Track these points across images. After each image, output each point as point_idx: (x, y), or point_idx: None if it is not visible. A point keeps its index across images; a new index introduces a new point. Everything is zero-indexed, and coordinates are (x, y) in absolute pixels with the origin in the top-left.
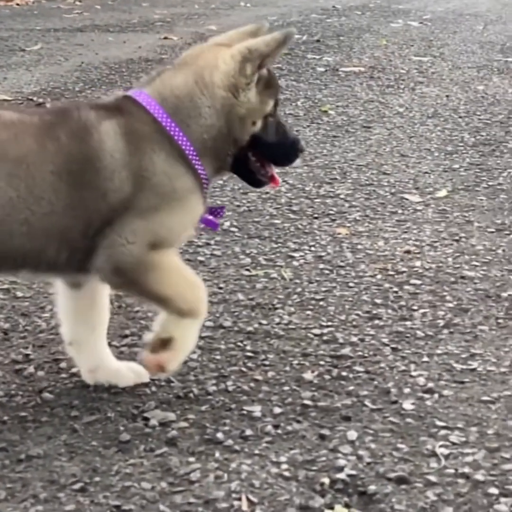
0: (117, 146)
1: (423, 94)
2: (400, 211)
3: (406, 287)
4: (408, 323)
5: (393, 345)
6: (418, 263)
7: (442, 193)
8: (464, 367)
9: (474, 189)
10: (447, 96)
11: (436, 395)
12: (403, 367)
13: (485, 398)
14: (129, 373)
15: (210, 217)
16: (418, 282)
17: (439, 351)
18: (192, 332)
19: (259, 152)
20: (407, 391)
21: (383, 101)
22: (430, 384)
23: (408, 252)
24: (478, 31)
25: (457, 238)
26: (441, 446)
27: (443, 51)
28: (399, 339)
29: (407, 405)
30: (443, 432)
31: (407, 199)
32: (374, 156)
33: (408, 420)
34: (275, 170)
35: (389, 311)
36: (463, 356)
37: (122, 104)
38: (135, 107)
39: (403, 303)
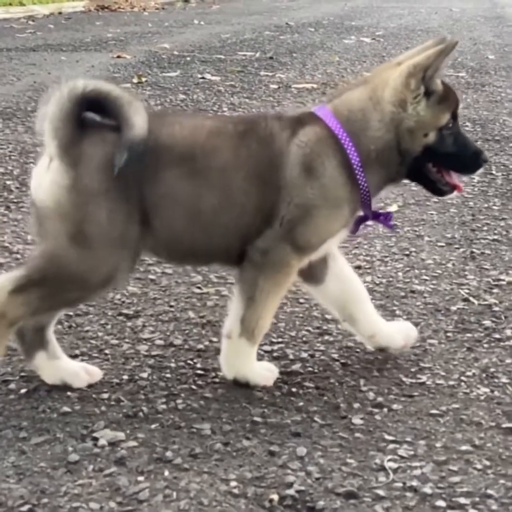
0: (297, 151)
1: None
2: None
3: None
4: (358, 338)
5: (343, 361)
6: (368, 278)
7: (393, 208)
8: (413, 381)
9: (424, 203)
10: None
11: (385, 409)
12: (353, 382)
13: (433, 411)
14: (399, 335)
15: (383, 219)
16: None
17: (388, 366)
18: (242, 356)
19: (436, 162)
20: (356, 406)
21: None
22: (380, 399)
23: (358, 267)
24: None
25: (407, 252)
26: (389, 460)
27: None
28: (349, 354)
29: (356, 420)
30: (391, 446)
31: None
32: None
33: (357, 434)
34: (458, 178)
35: (339, 326)
36: (412, 370)
37: (303, 116)
38: (315, 119)
39: None
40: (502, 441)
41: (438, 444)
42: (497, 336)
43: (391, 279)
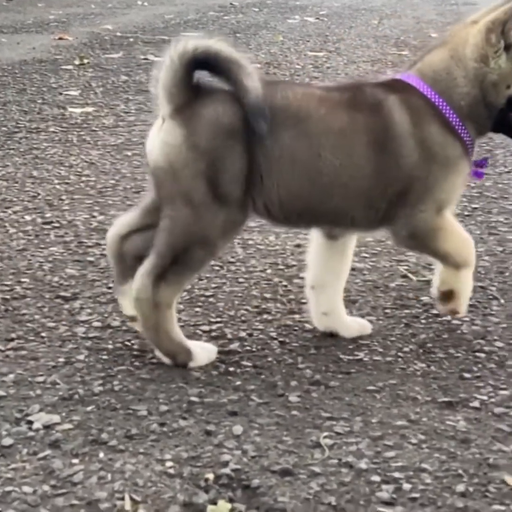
0: (403, 118)
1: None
2: None
3: (296, 280)
4: (296, 316)
5: (281, 339)
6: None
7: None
8: (351, 357)
9: None
10: None
11: (322, 387)
12: (291, 360)
13: (370, 387)
14: (354, 324)
15: (477, 169)
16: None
17: (326, 343)
18: (468, 280)
19: None
20: (293, 384)
21: None
22: (317, 376)
23: (298, 246)
24: (374, 25)
25: None
26: (325, 436)
27: (339, 46)
28: (287, 332)
29: (293, 397)
30: (328, 423)
31: None
32: None
33: (294, 412)
34: None
35: (278, 305)
36: (350, 347)
37: (394, 83)
38: (406, 86)
39: (292, 296)
40: (438, 415)
41: (374, 420)
42: (434, 311)
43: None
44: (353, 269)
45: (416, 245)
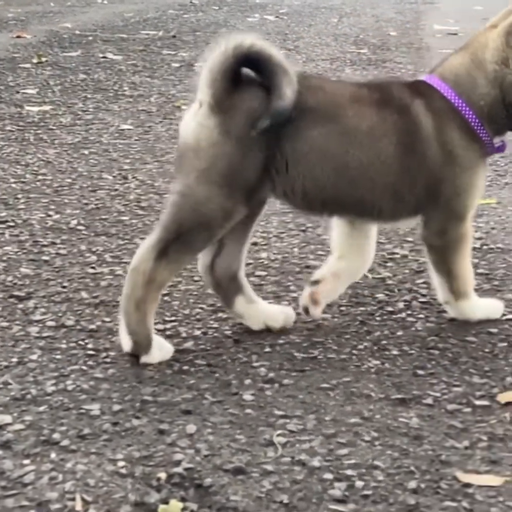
0: (427, 120)
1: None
2: None
3: (252, 278)
4: None
5: (235, 337)
6: (264, 255)
7: None
8: (305, 355)
9: None
10: None
11: (276, 385)
12: (245, 359)
13: (324, 385)
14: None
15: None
16: (264, 273)
17: (281, 341)
18: (474, 306)
19: None
20: (247, 382)
21: None
22: (271, 374)
23: (255, 244)
24: (333, 23)
25: (303, 228)
26: (279, 435)
27: (298, 44)
28: (242, 331)
29: (247, 396)
30: (281, 421)
31: None
32: None
33: (248, 410)
34: None
35: None
36: (305, 345)
37: (418, 86)
38: (429, 88)
39: None
40: (391, 412)
41: (327, 418)
42: (389, 309)
43: (286, 255)
44: (308, 267)
45: (442, 246)
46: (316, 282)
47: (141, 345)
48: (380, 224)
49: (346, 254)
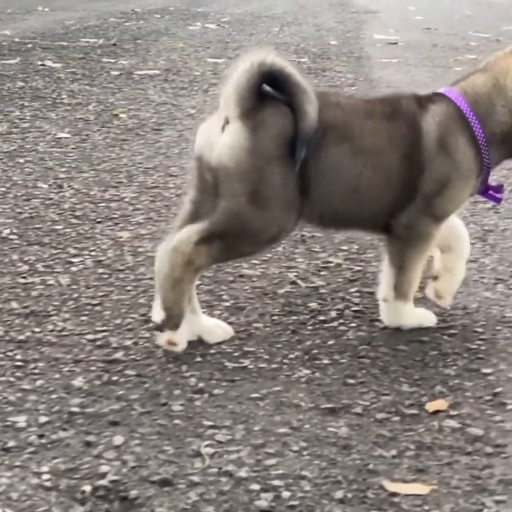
0: (433, 127)
1: (216, 95)
2: None
3: None
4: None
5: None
6: None
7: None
8: (236, 365)
9: None
10: None
11: (206, 395)
12: (175, 369)
13: (254, 395)
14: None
15: (493, 193)
16: (197, 282)
17: (212, 351)
18: (409, 311)
19: None
20: (177, 393)
21: (176, 103)
22: (201, 384)
23: None
24: (274, 32)
25: None
26: (207, 445)
27: (239, 52)
28: None
29: (176, 406)
30: (210, 431)
31: None
32: (162, 158)
33: (176, 421)
34: None
35: None
36: (236, 354)
37: (435, 97)
38: (445, 100)
39: None
40: (320, 422)
41: (256, 428)
42: (322, 317)
43: (221, 264)
44: (242, 276)
45: (404, 237)
46: (435, 278)
47: (172, 322)
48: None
49: (445, 247)
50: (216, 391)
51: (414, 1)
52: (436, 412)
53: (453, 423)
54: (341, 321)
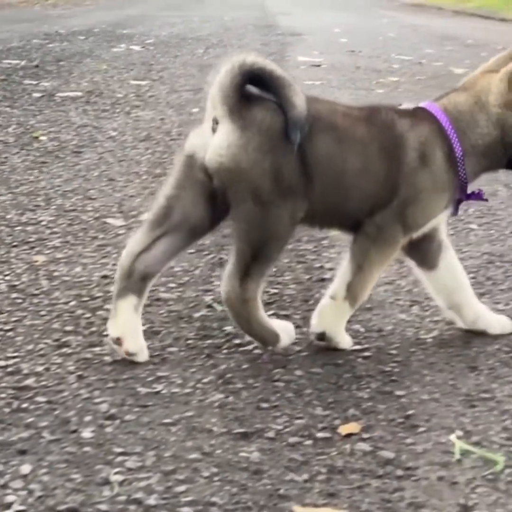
0: (413, 134)
1: (138, 118)
2: (101, 236)
3: (100, 312)
4: (97, 349)
5: (79, 373)
6: (114, 288)
7: (146, 216)
8: (149, 390)
9: None
10: (161, 119)
11: (117, 421)
12: (87, 395)
13: (166, 420)
14: (499, 323)
15: (475, 197)
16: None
17: (125, 376)
18: (341, 316)
19: None
20: (88, 419)
21: (97, 125)
22: (113, 410)
23: (105, 277)
24: (199, 54)
25: None
26: (116, 473)
27: (163, 74)
28: (86, 366)
29: (87, 433)
30: (120, 458)
31: (110, 223)
32: (81, 181)
33: (86, 448)
34: None
35: (79, 338)
36: (149, 379)
37: (416, 110)
38: (426, 113)
39: (94, 329)
40: (232, 447)
41: (167, 454)
42: (237, 341)
43: None
44: (158, 299)
45: (370, 239)
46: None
47: (270, 339)
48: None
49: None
50: (127, 417)
51: (339, 24)
52: (349, 435)
53: (365, 446)
54: (256, 344)
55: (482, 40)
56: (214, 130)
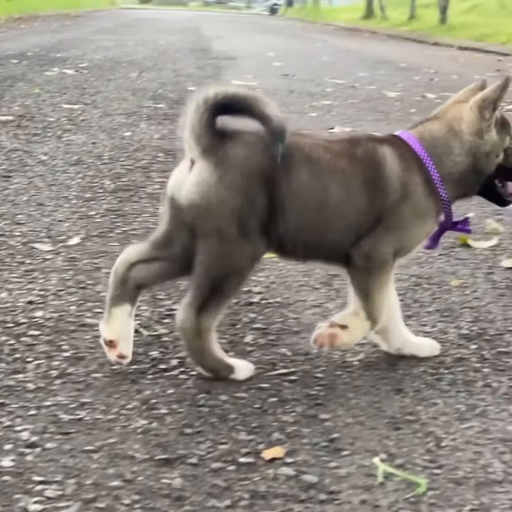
0: (393, 164)
1: (70, 141)
2: (28, 261)
3: (24, 338)
4: (20, 376)
5: (1, 401)
6: (39, 313)
7: (75, 240)
8: (72, 417)
9: (107, 235)
10: (93, 143)
11: (38, 449)
12: (8, 422)
13: (88, 447)
14: (426, 346)
15: (461, 226)
16: (37, 332)
17: (48, 403)
18: (363, 333)
19: (504, 178)
20: (8, 448)
21: (27, 150)
22: (34, 438)
23: (30, 302)
24: (133, 78)
25: (83, 285)
26: (35, 502)
27: (96, 98)
28: (8, 393)
29: (6, 462)
30: (39, 487)
31: (37, 248)
32: (9, 206)
33: (5, 477)
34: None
35: (2, 365)
36: (72, 406)
37: (392, 139)
38: (401, 142)
39: (18, 355)
40: (154, 473)
41: (88, 482)
42: (162, 366)
43: (63, 313)
44: (84, 325)
45: (364, 268)
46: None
47: (223, 371)
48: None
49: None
50: (49, 445)
51: (274, 48)
52: (272, 459)
53: (288, 470)
54: (182, 369)
55: (415, 64)
56: (190, 169)
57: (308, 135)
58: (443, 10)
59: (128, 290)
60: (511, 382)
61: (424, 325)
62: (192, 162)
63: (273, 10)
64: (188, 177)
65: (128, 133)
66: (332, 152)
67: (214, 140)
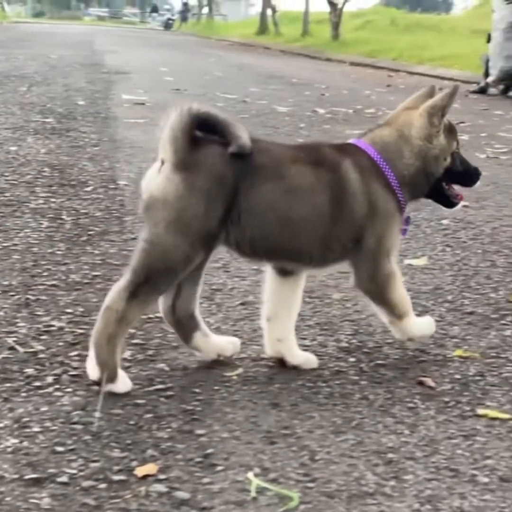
0: (355, 177)
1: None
2: None
3: None
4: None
5: None
6: None
7: None
8: None
9: None
10: None
11: None
12: None
13: None
14: (301, 354)
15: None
16: None
17: None
18: (414, 324)
19: (450, 180)
20: None
21: None
22: None
23: None
24: (22, 92)
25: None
26: None
27: None
28: None
29: None
30: None
31: None
32: None
33: None
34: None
35: None
36: None
37: (347, 148)
38: (357, 150)
39: None
40: (22, 493)
41: None
42: (37, 383)
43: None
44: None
45: (375, 289)
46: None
47: (109, 375)
48: (312, 270)
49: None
50: None
51: (166, 63)
52: (145, 476)
53: (161, 487)
54: (57, 386)
55: (307, 79)
56: (159, 170)
57: (270, 143)
58: (336, 26)
59: (187, 325)
60: (387, 394)
61: (304, 339)
62: (162, 163)
63: (167, 25)
64: (156, 177)
65: (14, 148)
66: (295, 161)
67: (188, 146)
